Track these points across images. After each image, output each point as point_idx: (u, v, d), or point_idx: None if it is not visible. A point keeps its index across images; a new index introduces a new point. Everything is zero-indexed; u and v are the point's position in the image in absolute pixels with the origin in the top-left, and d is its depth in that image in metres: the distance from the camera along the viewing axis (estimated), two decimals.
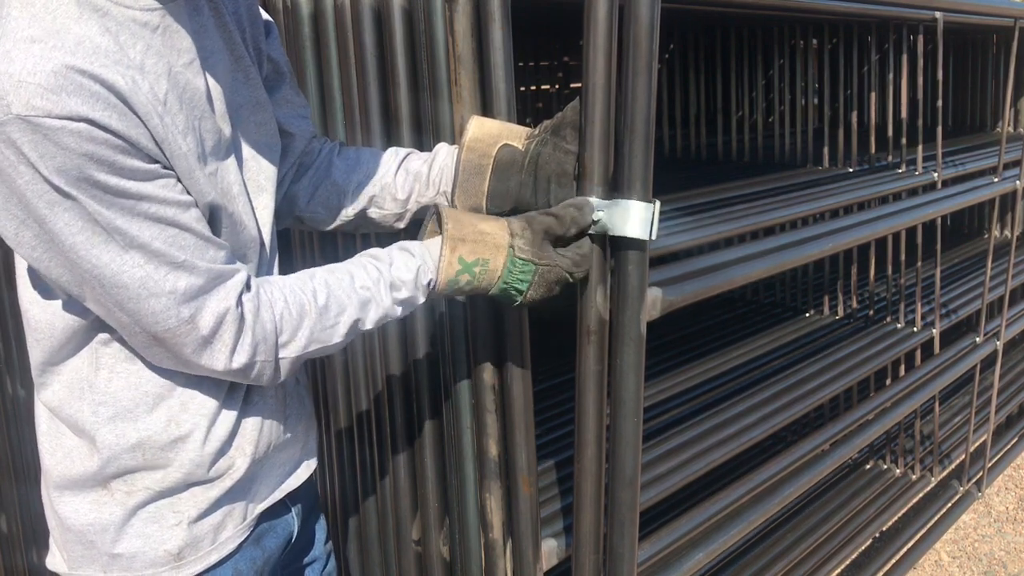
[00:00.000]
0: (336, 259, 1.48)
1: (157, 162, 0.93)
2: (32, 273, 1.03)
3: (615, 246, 1.14)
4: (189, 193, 0.98)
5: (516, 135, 1.16)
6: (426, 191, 1.21)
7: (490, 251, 1.08)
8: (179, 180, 0.96)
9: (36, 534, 2.29)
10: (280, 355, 1.03)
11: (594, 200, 1.11)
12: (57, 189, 0.85)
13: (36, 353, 1.06)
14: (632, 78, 1.07)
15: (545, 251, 1.09)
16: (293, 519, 1.25)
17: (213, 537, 1.11)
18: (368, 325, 1.08)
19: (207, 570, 1.11)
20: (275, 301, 1.02)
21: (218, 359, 0.99)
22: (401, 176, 1.22)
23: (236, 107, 1.09)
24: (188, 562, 1.09)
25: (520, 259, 1.08)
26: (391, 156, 1.24)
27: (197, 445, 1.06)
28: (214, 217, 1.03)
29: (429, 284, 1.09)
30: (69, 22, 0.87)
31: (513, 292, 1.11)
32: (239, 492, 1.13)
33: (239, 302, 0.99)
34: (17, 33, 0.85)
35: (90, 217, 0.88)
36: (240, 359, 1.00)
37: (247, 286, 1.01)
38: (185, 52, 0.98)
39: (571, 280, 1.12)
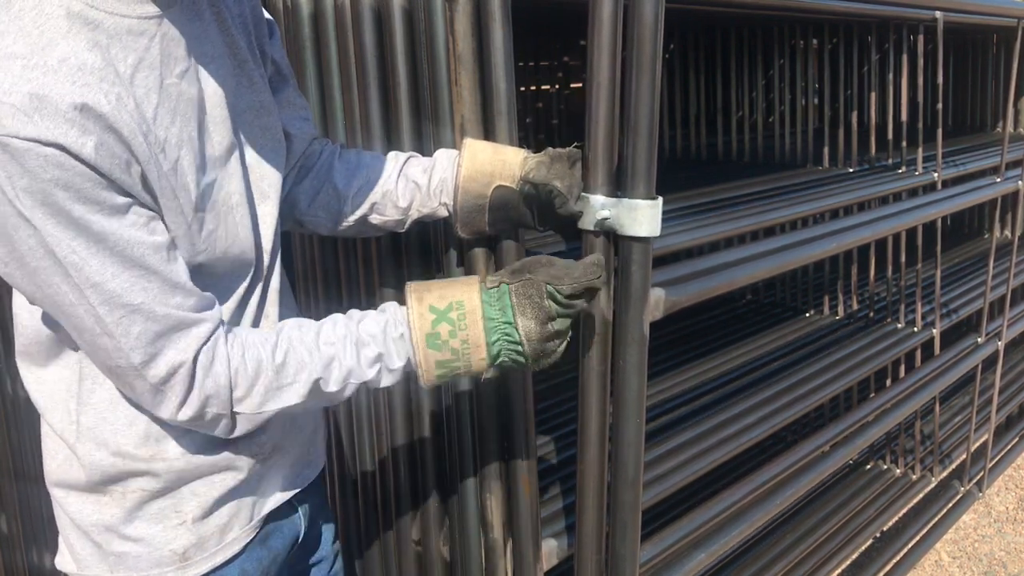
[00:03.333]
0: (335, 261, 1.48)
1: (131, 195, 0.90)
2: None
3: (619, 246, 1.14)
4: (167, 223, 0.94)
5: (509, 172, 1.15)
6: (428, 201, 1.20)
7: (460, 292, 1.04)
8: (158, 212, 0.93)
9: (36, 534, 2.28)
10: (236, 410, 1.00)
11: (599, 199, 1.11)
12: (20, 213, 0.83)
13: (25, 358, 1.06)
14: (636, 77, 1.07)
15: (519, 272, 1.05)
16: (300, 519, 1.25)
17: (219, 538, 1.11)
18: (333, 386, 1.02)
19: (213, 570, 1.11)
20: (232, 356, 0.98)
21: (166, 409, 0.97)
22: (402, 183, 1.21)
23: (239, 112, 1.07)
24: (194, 562, 1.09)
25: (491, 289, 1.04)
26: (392, 161, 1.23)
27: (178, 454, 1.05)
28: (203, 230, 1.00)
29: (402, 337, 1.04)
30: (56, 36, 0.85)
31: (507, 340, 1.04)
32: (244, 492, 1.12)
33: (196, 356, 0.95)
34: (1, 48, 0.83)
35: (48, 247, 0.86)
36: (188, 412, 0.97)
37: (208, 338, 0.97)
38: (181, 60, 0.96)
39: (559, 297, 1.04)
